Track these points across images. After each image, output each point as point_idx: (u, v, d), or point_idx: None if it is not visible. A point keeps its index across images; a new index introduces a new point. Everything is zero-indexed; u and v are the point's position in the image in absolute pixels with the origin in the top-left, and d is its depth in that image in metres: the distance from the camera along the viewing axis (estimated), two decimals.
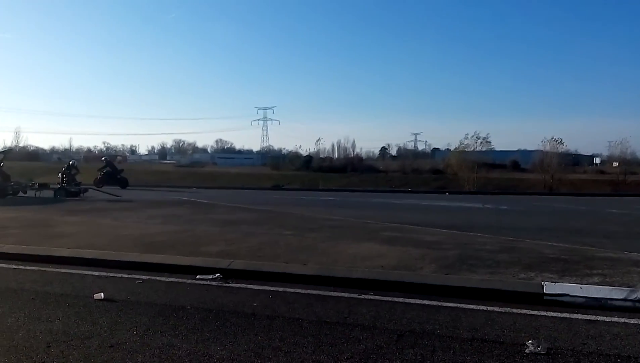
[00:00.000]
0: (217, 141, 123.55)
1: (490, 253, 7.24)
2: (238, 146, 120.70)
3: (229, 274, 6.06)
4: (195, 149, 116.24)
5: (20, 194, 19.78)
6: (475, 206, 18.53)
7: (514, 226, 11.55)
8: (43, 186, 20.69)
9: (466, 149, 37.13)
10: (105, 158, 32.20)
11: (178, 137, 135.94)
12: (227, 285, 5.75)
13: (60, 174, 21.37)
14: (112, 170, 28.50)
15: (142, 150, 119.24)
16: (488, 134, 38.09)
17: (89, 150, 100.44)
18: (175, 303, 4.97)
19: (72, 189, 20.45)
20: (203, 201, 17.96)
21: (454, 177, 35.69)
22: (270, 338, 4.01)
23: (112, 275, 6.19)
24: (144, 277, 6.02)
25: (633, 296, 4.84)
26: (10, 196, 19.07)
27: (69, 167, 21.84)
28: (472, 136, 37.14)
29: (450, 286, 5.48)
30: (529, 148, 51.14)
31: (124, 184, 27.40)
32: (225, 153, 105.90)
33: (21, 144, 69.33)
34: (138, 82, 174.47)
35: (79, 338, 3.95)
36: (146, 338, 3.98)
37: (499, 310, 4.74)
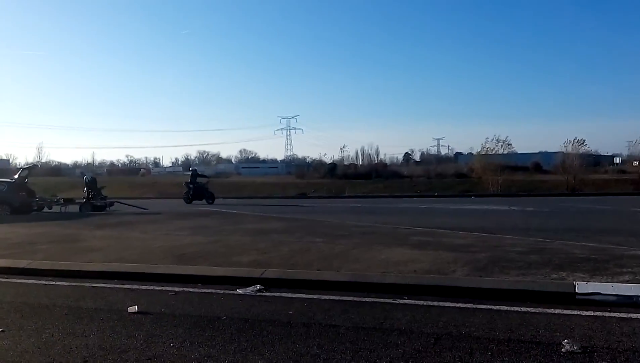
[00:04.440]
0: (240, 151, 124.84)
1: (521, 254, 7.14)
2: (262, 155, 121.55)
3: (262, 283, 6.02)
4: (219, 159, 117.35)
5: (46, 209, 19.99)
6: (501, 209, 18.34)
7: (541, 227, 11.42)
8: (68, 201, 20.76)
9: (489, 153, 36.75)
10: (193, 169, 26.94)
11: (202, 148, 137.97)
12: (261, 294, 5.71)
13: (85, 189, 21.14)
14: (199, 184, 24.24)
15: (166, 162, 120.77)
16: (508, 136, 38.36)
17: (112, 164, 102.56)
18: (210, 314, 4.95)
19: (98, 204, 20.49)
20: (231, 211, 18.08)
21: (479, 180, 35.41)
22: (308, 345, 3.94)
23: (144, 287, 6.21)
24: (176, 289, 6.02)
25: None
26: (35, 211, 19.24)
27: (91, 181, 21.33)
28: (493, 140, 37.00)
29: (483, 288, 5.43)
30: (550, 150, 50.52)
31: (211, 198, 23.65)
32: (250, 162, 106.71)
33: (44, 160, 70.49)
34: (160, 95, 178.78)
35: (115, 352, 3.94)
36: (183, 350, 3.94)
37: (533, 311, 4.71)
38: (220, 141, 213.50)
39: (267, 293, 5.70)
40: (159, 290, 6.08)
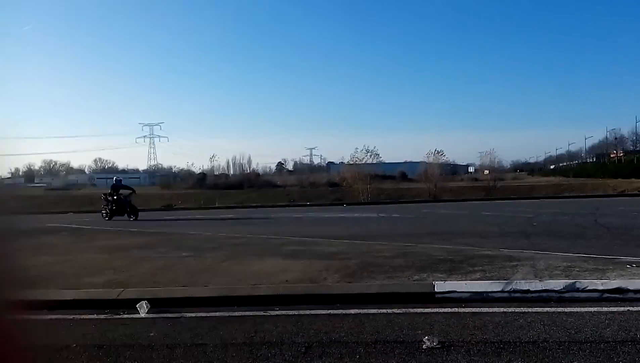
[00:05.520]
0: (95, 161, 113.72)
1: (387, 259, 7.55)
2: (121, 165, 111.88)
3: (119, 305, 5.47)
4: (69, 170, 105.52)
5: None
6: (371, 216, 19.28)
7: (406, 232, 12.22)
8: None
9: (358, 162, 38.91)
10: (117, 179, 22.29)
11: (48, 157, 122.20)
12: (117, 317, 5.18)
13: None
14: (122, 197, 20.43)
15: (4, 172, 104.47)
16: (375, 147, 40.32)
17: None
18: (57, 343, 4.32)
19: None
20: (84, 227, 16.25)
21: (350, 189, 37.14)
22: None
23: None
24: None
25: (509, 288, 5.39)
26: None
27: None
28: (362, 150, 39.11)
29: (353, 294, 5.61)
30: (414, 160, 55.39)
31: (134, 214, 20.02)
32: (106, 173, 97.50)
33: None
34: None
35: None
36: None
37: (398, 312, 4.95)
38: (70, 149, 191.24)
39: (126, 315, 5.20)
40: None
